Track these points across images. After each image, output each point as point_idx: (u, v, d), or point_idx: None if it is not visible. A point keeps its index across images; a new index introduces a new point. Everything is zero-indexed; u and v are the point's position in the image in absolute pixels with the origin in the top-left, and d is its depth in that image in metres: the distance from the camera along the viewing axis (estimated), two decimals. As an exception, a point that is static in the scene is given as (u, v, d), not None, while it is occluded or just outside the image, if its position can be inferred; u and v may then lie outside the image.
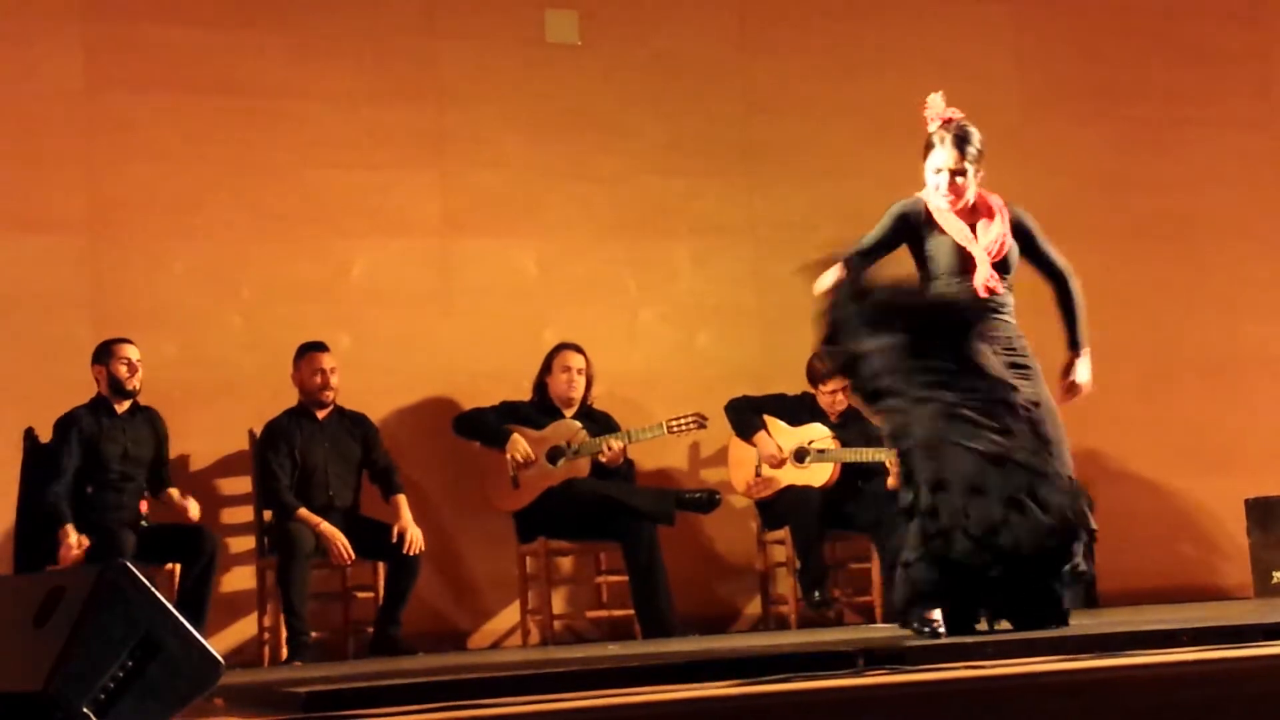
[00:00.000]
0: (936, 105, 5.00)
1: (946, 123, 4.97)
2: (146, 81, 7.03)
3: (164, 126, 7.03)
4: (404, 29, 7.41)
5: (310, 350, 6.77)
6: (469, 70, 7.48)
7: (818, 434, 7.05)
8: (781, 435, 7.09)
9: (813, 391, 7.17)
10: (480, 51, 7.50)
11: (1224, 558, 8.02)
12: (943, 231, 4.95)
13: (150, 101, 7.02)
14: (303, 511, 6.52)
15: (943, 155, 4.93)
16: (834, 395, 7.07)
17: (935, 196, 4.95)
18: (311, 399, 6.73)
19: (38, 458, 6.43)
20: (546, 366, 7.07)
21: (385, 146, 7.32)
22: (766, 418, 7.11)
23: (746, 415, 7.12)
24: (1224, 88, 8.46)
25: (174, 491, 6.53)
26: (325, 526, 6.50)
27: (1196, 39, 8.49)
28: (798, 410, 7.16)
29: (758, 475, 7.09)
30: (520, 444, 6.88)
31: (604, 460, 6.89)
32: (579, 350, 7.06)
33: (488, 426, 6.97)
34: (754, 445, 7.09)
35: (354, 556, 6.52)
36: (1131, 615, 5.73)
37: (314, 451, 6.68)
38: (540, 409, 7.05)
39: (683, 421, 6.95)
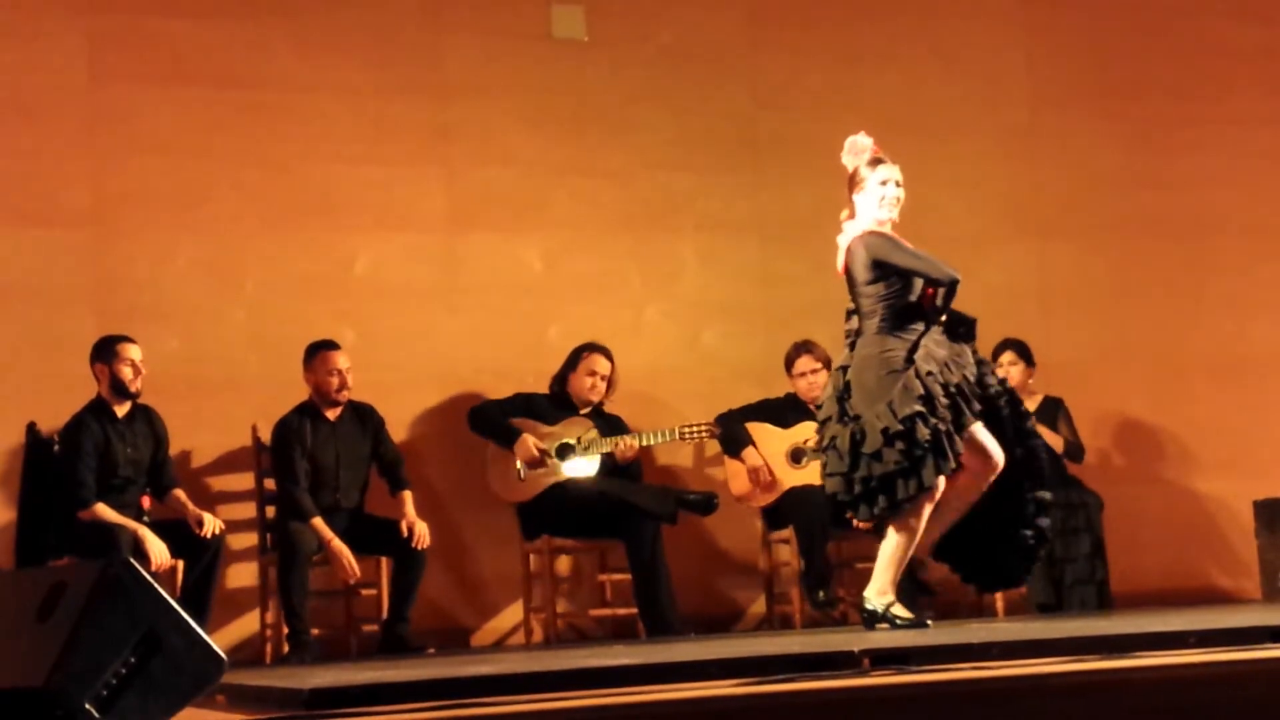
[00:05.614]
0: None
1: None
2: (150, 75, 7.01)
3: (168, 120, 7.02)
4: (410, 23, 7.39)
5: (322, 349, 6.70)
6: (475, 65, 7.45)
7: (810, 432, 6.99)
8: (774, 439, 7.03)
9: (793, 390, 7.13)
10: (486, 46, 7.47)
11: (1235, 559, 7.98)
12: None
13: (154, 95, 7.00)
14: (317, 522, 6.47)
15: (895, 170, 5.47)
16: (809, 377, 7.03)
17: (885, 209, 5.44)
18: (326, 399, 6.68)
19: (40, 452, 6.40)
20: (572, 364, 7.03)
21: (390, 141, 7.30)
22: (758, 425, 7.05)
23: (733, 431, 7.04)
24: (1235, 85, 8.43)
25: (181, 494, 6.44)
26: (336, 544, 6.45)
27: (1207, 36, 8.45)
28: (784, 411, 7.12)
29: (754, 484, 7.04)
30: (527, 446, 6.85)
31: (618, 457, 6.86)
32: (608, 356, 7.01)
33: (499, 427, 6.92)
34: (743, 462, 7.05)
35: (359, 576, 6.50)
36: (1139, 617, 5.71)
37: (326, 452, 6.64)
38: (556, 403, 7.02)
39: (695, 430, 6.91)
